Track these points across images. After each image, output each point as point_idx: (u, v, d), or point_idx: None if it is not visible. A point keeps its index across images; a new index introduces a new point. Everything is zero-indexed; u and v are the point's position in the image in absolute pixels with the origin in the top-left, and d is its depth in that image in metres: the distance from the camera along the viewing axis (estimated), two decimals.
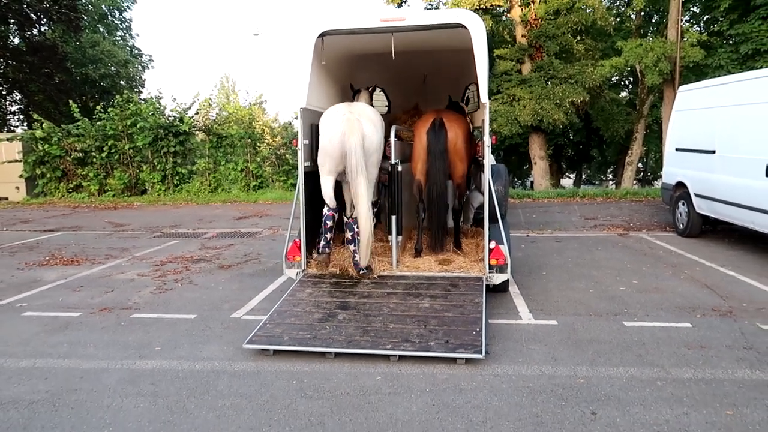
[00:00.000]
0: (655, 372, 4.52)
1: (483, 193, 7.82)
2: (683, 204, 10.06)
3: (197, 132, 19.77)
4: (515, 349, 5.04)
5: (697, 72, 18.62)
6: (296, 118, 10.78)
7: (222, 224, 13.11)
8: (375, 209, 7.48)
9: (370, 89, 7.48)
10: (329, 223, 6.53)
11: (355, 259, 6.46)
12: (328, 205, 6.52)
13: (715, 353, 4.86)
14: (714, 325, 5.54)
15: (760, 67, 13.59)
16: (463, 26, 6.12)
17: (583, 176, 38.87)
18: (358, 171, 6.03)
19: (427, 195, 6.87)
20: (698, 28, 22.45)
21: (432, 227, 6.97)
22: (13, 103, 29.10)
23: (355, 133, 6.04)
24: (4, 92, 28.03)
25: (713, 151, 9.07)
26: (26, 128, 24.08)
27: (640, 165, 30.66)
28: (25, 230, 12.87)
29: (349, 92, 7.61)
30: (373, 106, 7.50)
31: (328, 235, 6.57)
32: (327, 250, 6.60)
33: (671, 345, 5.06)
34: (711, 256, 8.45)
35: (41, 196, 19.28)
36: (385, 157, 6.98)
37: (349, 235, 6.71)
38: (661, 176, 12.23)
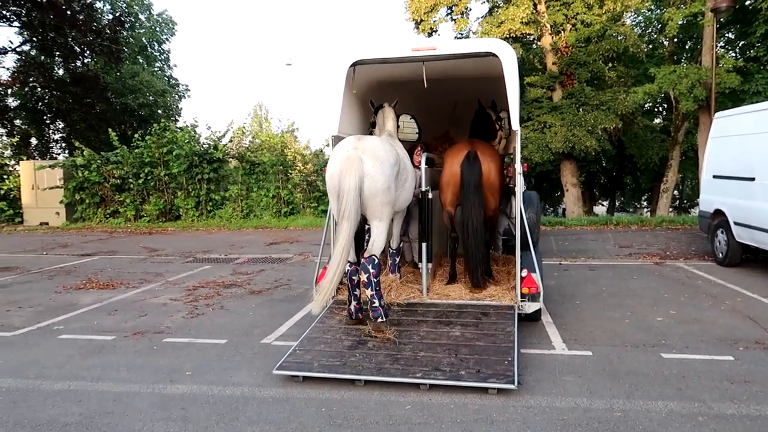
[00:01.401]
0: (697, 407, 4.35)
1: (508, 217, 7.76)
2: (722, 232, 9.78)
3: (230, 159, 20.18)
4: (549, 380, 4.92)
5: (733, 98, 18.26)
6: (327, 145, 10.95)
7: (253, 250, 13.24)
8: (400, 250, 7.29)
9: (393, 105, 6.90)
10: (355, 279, 5.79)
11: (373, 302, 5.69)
12: (348, 260, 5.67)
13: (760, 388, 4.66)
14: (758, 359, 5.31)
15: None
16: (494, 55, 6.14)
17: (617, 203, 38.18)
18: (345, 216, 5.33)
19: (462, 231, 6.65)
20: (734, 54, 22.10)
21: (470, 264, 6.65)
22: (56, 132, 30.19)
23: (351, 173, 5.38)
24: (48, 121, 29.12)
25: (753, 179, 8.84)
26: (68, 156, 24.89)
27: (675, 192, 30.04)
28: (64, 254, 13.22)
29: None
30: (398, 125, 7.37)
31: (357, 293, 5.88)
32: (360, 315, 5.90)
33: (713, 379, 4.87)
34: (753, 287, 8.16)
35: (80, 221, 19.84)
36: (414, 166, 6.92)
37: (364, 277, 5.70)
38: (697, 204, 11.95)
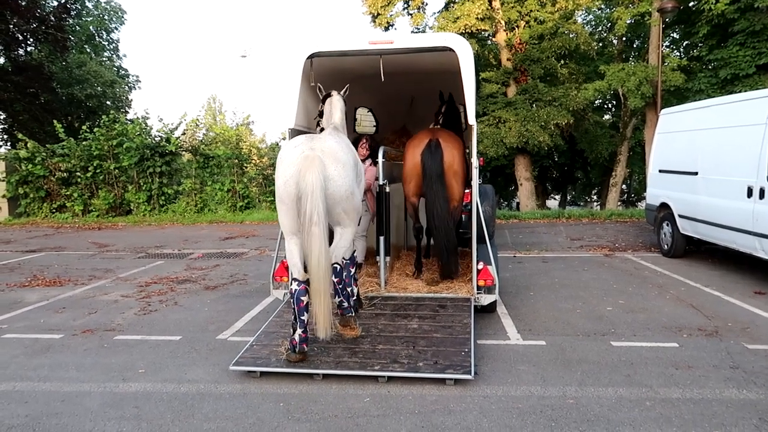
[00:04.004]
0: (644, 392, 4.52)
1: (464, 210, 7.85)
2: (667, 225, 10.18)
3: (184, 152, 19.73)
4: (504, 370, 5.02)
5: (678, 96, 18.97)
6: (284, 138, 10.87)
7: (208, 245, 13.00)
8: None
9: (343, 93, 6.17)
10: (304, 300, 4.87)
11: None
12: (296, 278, 4.95)
13: (702, 373, 4.88)
14: (701, 345, 5.56)
15: (739, 91, 13.88)
16: (450, 49, 6.20)
17: (568, 197, 39.21)
18: (312, 220, 4.62)
19: (428, 220, 6.61)
20: (678, 54, 22.95)
21: (440, 255, 6.62)
22: None
23: (313, 170, 4.70)
24: None
25: (696, 173, 9.21)
26: (10, 148, 23.82)
27: (624, 186, 31.04)
28: (7, 251, 12.66)
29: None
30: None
31: (305, 318, 4.87)
32: (305, 346, 4.93)
33: (659, 365, 5.08)
34: (696, 277, 8.53)
35: (24, 216, 19.03)
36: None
37: (330, 289, 4.98)
38: (644, 197, 12.39)
